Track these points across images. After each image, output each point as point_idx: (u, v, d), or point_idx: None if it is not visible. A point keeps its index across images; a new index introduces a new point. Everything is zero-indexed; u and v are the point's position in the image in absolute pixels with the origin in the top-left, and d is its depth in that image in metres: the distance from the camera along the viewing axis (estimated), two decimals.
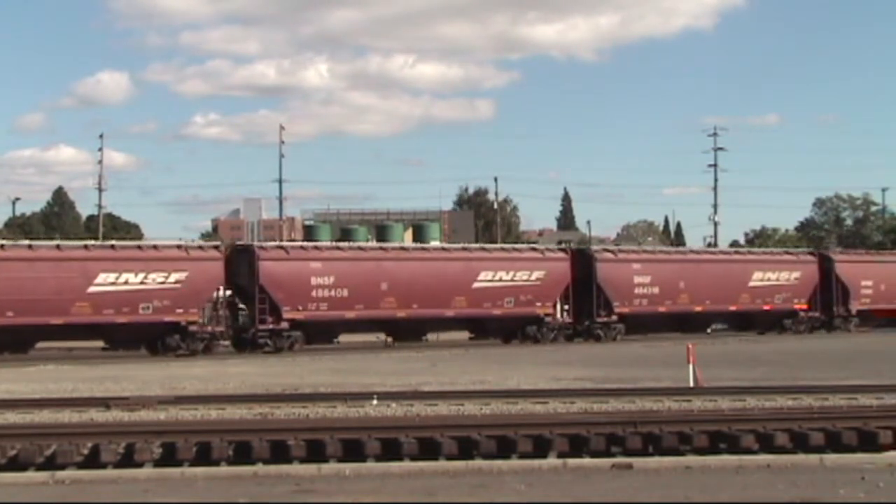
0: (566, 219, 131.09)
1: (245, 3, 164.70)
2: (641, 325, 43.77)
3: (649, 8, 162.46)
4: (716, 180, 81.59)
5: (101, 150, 77.57)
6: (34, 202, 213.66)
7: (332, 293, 37.51)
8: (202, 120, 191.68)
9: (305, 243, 44.08)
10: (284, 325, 36.86)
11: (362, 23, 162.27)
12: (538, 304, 41.19)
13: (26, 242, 38.33)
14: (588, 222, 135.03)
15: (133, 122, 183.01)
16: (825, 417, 14.36)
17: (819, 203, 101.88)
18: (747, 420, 14.23)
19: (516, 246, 47.60)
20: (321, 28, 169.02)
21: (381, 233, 69.78)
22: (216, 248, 38.25)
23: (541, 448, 13.22)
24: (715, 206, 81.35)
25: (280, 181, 78.36)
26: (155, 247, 36.99)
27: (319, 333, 38.23)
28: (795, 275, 46.81)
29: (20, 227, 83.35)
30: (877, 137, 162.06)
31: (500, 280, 40.65)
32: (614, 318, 42.77)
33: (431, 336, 41.48)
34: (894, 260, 53.02)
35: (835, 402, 16.88)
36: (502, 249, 45.00)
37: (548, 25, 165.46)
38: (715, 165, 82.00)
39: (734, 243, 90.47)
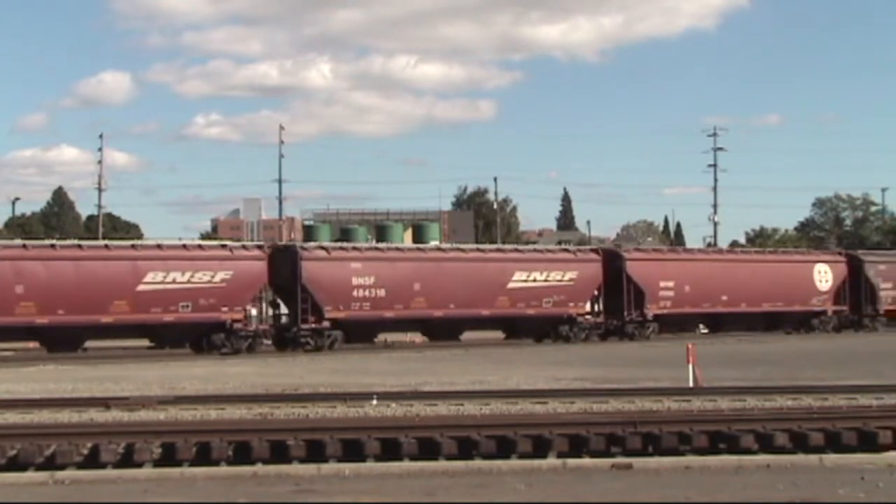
0: (566, 219, 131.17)
1: (247, 3, 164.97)
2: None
3: (653, 8, 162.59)
4: (715, 180, 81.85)
5: (100, 150, 77.84)
6: (34, 202, 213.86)
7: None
8: (203, 120, 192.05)
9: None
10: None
11: (365, 23, 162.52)
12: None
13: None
14: (588, 222, 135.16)
15: (134, 123, 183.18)
16: (825, 417, 14.36)
17: (819, 203, 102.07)
18: (747, 420, 14.24)
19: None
20: (324, 28, 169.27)
21: (381, 233, 69.93)
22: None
23: (540, 448, 13.22)
24: (715, 207, 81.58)
25: (280, 181, 78.53)
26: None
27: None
28: (571, 275, 42.34)
29: (20, 227, 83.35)
30: (877, 137, 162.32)
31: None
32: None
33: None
34: (703, 258, 49.07)
35: (834, 403, 16.88)
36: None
37: (551, 26, 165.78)
38: (715, 165, 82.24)
39: (734, 243, 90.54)
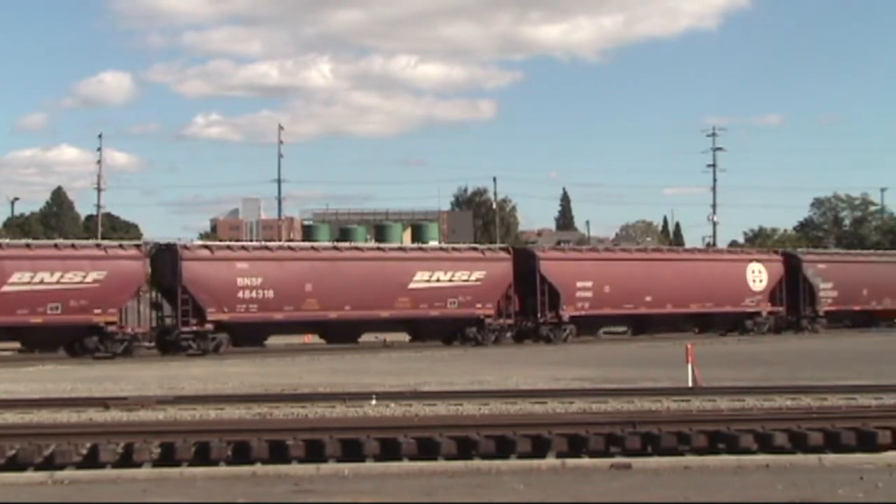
0: (565, 219, 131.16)
1: (247, 3, 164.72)
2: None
3: (654, 8, 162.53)
4: (714, 180, 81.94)
5: (100, 150, 77.84)
6: (34, 202, 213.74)
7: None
8: (203, 120, 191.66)
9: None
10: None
11: (365, 23, 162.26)
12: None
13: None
14: (587, 222, 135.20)
15: (134, 123, 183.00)
16: (824, 417, 14.36)
17: (818, 203, 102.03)
18: (746, 420, 14.25)
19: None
20: (324, 29, 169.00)
21: (380, 233, 69.96)
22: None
23: (540, 448, 13.22)
24: (714, 206, 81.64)
25: (279, 181, 78.55)
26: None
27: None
28: (478, 275, 40.47)
29: (19, 227, 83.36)
30: (876, 137, 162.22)
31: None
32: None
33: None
34: (625, 257, 46.93)
35: (834, 403, 16.89)
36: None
37: (551, 26, 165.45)
38: (714, 165, 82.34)
39: (733, 243, 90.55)
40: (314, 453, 12.79)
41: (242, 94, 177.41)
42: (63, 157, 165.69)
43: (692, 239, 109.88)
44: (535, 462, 11.79)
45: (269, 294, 36.74)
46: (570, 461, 11.83)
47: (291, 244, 45.25)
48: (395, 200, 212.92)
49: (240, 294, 36.34)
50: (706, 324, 46.39)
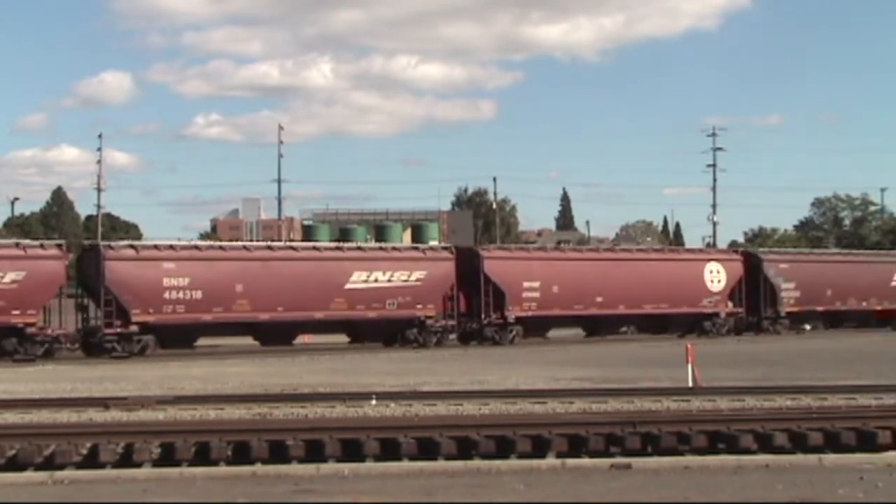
0: (565, 219, 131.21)
1: (247, 3, 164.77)
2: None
3: (654, 9, 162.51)
4: (714, 180, 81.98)
5: (100, 150, 77.87)
6: (34, 202, 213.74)
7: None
8: (203, 120, 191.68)
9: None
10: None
11: (365, 23, 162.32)
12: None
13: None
14: (587, 222, 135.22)
15: (135, 123, 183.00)
16: (824, 417, 14.36)
17: (818, 203, 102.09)
18: (746, 420, 14.24)
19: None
20: (324, 29, 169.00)
21: (380, 233, 69.83)
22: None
23: (540, 448, 13.22)
24: (714, 206, 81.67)
25: (279, 181, 78.60)
26: None
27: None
28: (418, 275, 39.45)
29: (19, 227, 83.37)
30: (876, 137, 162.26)
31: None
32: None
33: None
34: (575, 257, 45.57)
35: (834, 403, 16.89)
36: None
37: (552, 26, 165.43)
38: (714, 165, 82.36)
39: (733, 243, 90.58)
40: (314, 453, 12.79)
41: (242, 94, 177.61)
42: (63, 157, 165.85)
43: (692, 239, 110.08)
44: (535, 462, 11.80)
45: (198, 295, 35.91)
46: (570, 461, 11.83)
47: (223, 244, 43.87)
48: (395, 200, 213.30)
49: (166, 295, 35.47)
50: (663, 325, 45.36)
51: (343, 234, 66.32)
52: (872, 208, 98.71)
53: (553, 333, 43.96)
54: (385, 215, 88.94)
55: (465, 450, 13.10)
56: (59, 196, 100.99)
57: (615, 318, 44.24)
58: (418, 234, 70.91)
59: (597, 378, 23.17)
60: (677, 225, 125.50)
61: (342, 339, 40.35)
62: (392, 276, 39.15)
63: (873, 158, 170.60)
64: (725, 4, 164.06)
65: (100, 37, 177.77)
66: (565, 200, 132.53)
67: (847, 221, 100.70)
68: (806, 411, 15.25)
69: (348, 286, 38.35)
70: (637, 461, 11.53)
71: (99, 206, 78.35)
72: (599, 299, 42.88)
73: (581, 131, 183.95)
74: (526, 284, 41.47)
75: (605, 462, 11.65)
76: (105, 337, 34.70)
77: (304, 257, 39.06)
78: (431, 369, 27.09)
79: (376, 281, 38.81)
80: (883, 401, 16.93)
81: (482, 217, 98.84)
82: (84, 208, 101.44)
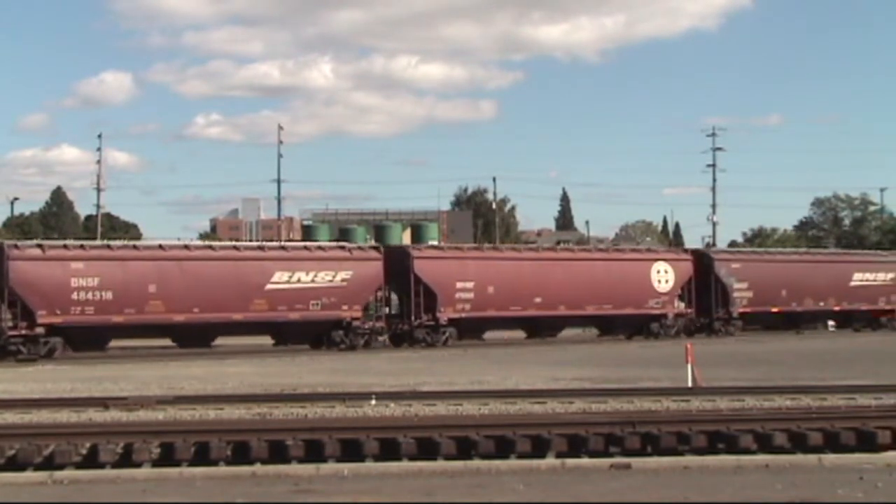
0: (565, 219, 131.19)
1: (248, 4, 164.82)
2: None
3: (655, 9, 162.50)
4: (714, 180, 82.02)
5: (100, 150, 77.87)
6: (35, 202, 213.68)
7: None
8: (203, 120, 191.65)
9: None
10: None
11: (366, 23, 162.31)
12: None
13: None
14: (587, 222, 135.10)
15: (135, 123, 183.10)
16: (824, 417, 14.37)
17: (818, 203, 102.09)
18: (746, 420, 14.25)
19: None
20: (325, 29, 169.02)
21: (380, 233, 69.89)
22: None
23: (539, 448, 13.22)
24: (713, 206, 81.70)
25: (279, 181, 78.56)
26: None
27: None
28: (344, 275, 38.29)
29: (18, 227, 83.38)
30: (876, 137, 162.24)
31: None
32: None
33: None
34: (511, 257, 43.89)
35: (833, 403, 16.90)
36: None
37: (552, 26, 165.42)
38: (713, 165, 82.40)
39: (733, 243, 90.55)
40: (314, 453, 12.79)
41: (243, 94, 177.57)
42: (63, 157, 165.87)
43: (692, 239, 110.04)
44: (534, 462, 11.80)
45: (108, 295, 34.78)
46: (570, 461, 11.84)
47: (136, 243, 42.91)
48: (395, 200, 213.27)
49: (74, 296, 34.36)
50: (608, 326, 44.63)
51: (342, 234, 66.37)
52: (872, 208, 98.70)
53: (489, 335, 42.69)
54: (385, 215, 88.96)
55: (465, 450, 13.10)
56: (58, 196, 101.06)
57: (555, 320, 42.98)
58: (418, 235, 71.00)
59: (596, 378, 23.17)
60: (677, 225, 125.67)
61: (267, 340, 39.36)
62: (316, 276, 38.07)
63: (873, 158, 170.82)
64: (726, 4, 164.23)
65: (100, 37, 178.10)
66: (565, 200, 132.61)
67: (847, 221, 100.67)
68: (805, 411, 15.26)
69: (269, 286, 37.32)
70: (637, 461, 11.53)
71: (99, 206, 78.43)
72: (538, 300, 41.68)
73: (581, 131, 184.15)
74: (459, 285, 40.38)
75: (604, 462, 11.66)
76: (10, 339, 33.76)
77: (222, 257, 38.02)
78: (431, 369, 27.10)
79: (299, 281, 37.73)
80: (882, 401, 16.94)
81: (482, 217, 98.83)
82: (84, 208, 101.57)
